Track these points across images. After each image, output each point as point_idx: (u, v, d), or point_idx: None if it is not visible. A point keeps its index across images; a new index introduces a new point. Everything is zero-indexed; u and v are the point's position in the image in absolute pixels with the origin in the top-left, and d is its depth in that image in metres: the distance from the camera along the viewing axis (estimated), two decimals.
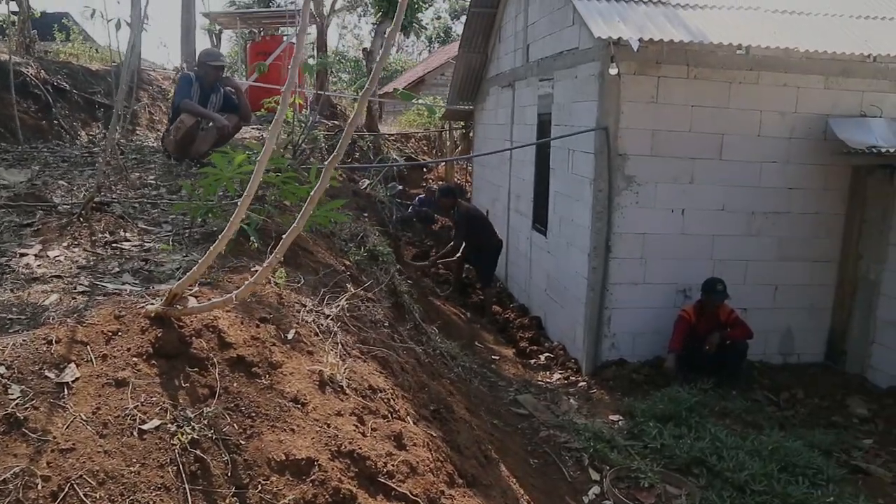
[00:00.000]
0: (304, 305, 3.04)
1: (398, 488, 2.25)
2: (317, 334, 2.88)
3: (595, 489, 4.67)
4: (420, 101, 22.38)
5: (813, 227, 7.35)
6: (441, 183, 9.47)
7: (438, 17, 43.17)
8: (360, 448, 2.27)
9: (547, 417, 5.67)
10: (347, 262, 4.36)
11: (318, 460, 2.13)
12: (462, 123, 16.41)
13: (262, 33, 16.67)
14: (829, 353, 7.57)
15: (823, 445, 5.50)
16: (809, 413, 6.51)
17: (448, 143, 18.05)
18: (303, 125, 13.16)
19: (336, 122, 17.27)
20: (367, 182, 14.68)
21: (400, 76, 33.51)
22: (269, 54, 15.76)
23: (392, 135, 19.63)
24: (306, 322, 2.91)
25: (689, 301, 7.13)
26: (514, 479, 3.84)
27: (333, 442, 2.24)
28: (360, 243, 5.40)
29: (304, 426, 2.26)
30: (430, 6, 27.40)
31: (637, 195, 7.00)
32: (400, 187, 12.82)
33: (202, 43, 30.59)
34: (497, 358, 6.86)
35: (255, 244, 3.53)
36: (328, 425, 2.32)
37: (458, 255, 9.24)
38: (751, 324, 7.04)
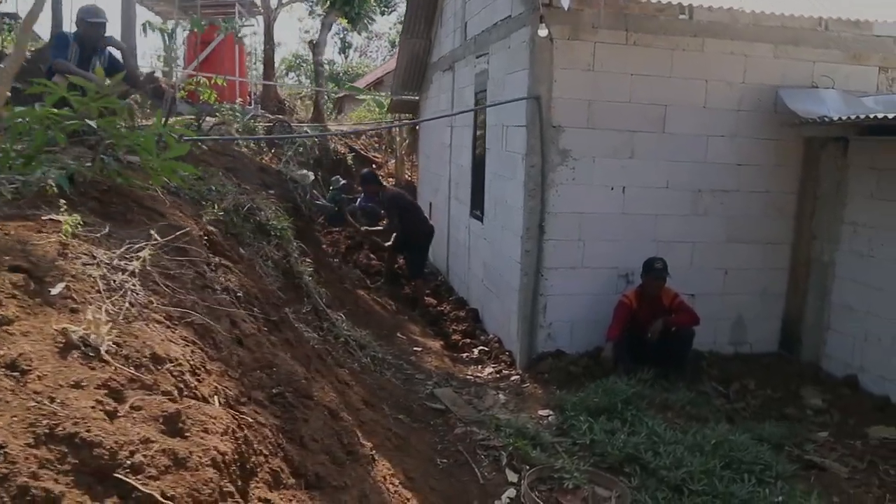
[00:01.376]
0: (95, 258, 2.34)
1: (143, 488, 1.56)
2: (100, 291, 2.18)
3: (510, 492, 4.02)
4: (367, 95, 21.78)
5: (764, 206, 6.82)
6: (365, 170, 8.79)
7: (400, 22, 42.53)
8: (90, 432, 1.59)
9: (466, 413, 5.01)
10: (211, 229, 3.66)
11: (5, 446, 1.44)
12: (410, 116, 15.78)
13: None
14: (783, 341, 7.04)
15: (774, 439, 4.92)
16: (761, 405, 5.95)
17: (397, 138, 17.39)
18: (239, 114, 12.45)
19: (281, 116, 16.55)
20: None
21: (361, 79, 32.83)
22: (207, 44, 15.03)
23: (340, 131, 18.91)
24: (89, 277, 2.21)
25: (632, 286, 6.55)
26: (398, 481, 3.17)
27: (46, 422, 1.56)
28: (248, 215, 4.71)
29: (8, 401, 1.57)
30: (392, 11, 26.86)
31: (573, 171, 6.41)
32: (344, 181, 12.08)
33: (148, 41, 29.45)
34: (420, 350, 6.19)
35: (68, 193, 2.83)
36: (52, 400, 1.63)
37: (390, 243, 8.60)
38: (699, 311, 6.47)
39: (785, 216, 6.87)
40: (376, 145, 20.01)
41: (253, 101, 15.92)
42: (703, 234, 6.74)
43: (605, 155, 6.45)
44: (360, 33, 19.52)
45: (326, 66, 30.55)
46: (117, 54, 5.77)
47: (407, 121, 15.59)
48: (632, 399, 5.18)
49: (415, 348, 6.18)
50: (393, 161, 17.77)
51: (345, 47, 39.31)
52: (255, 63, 23.97)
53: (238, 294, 3.15)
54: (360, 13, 17.00)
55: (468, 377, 6.23)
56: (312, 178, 12.26)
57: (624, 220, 6.58)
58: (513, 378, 6.30)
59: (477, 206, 8.45)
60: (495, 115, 7.47)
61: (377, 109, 20.08)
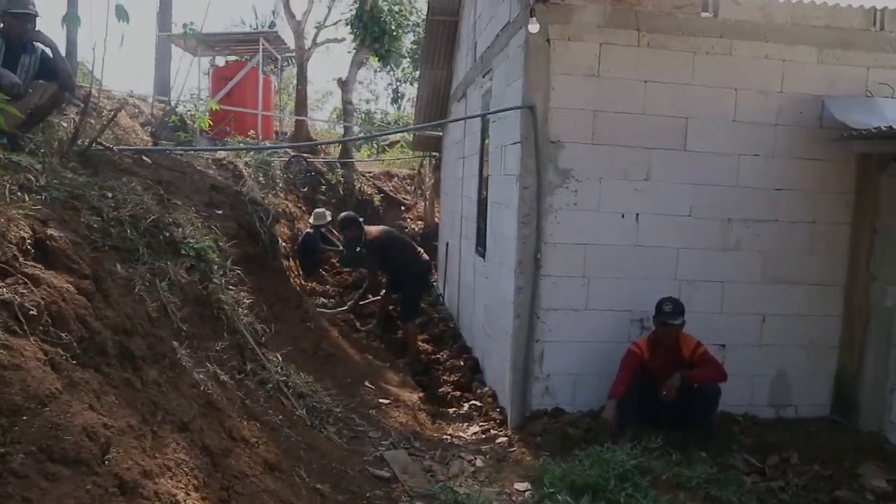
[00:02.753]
0: None
1: None
2: None
3: None
4: (396, 133, 21.20)
5: (808, 239, 5.68)
6: (344, 213, 7.95)
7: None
8: None
9: (417, 483, 3.99)
10: (52, 233, 2.82)
11: None
12: (438, 155, 15.04)
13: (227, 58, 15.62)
14: (836, 404, 5.79)
15: None
16: (806, 485, 4.72)
17: (427, 179, 16.64)
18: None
19: (312, 157, 16.02)
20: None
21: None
22: (230, 79, 14.66)
23: (370, 172, 18.30)
24: None
25: (647, 332, 5.47)
26: None
27: None
28: (153, 229, 3.87)
29: None
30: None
31: (576, 195, 5.42)
32: (329, 218, 10.99)
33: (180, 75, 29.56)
34: (388, 403, 5.20)
35: None
36: None
37: (378, 286, 7.75)
38: (731, 365, 5.36)
39: (835, 252, 5.70)
40: (408, 187, 19.34)
41: (277, 139, 15.40)
42: (734, 271, 5.63)
43: (614, 176, 5.45)
44: (389, 71, 18.93)
45: (378, 115, 30.32)
46: (49, 52, 5.09)
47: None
48: (631, 473, 4.08)
49: (381, 401, 5.19)
50: (423, 203, 16.99)
51: (397, 97, 39.33)
52: (284, 100, 23.70)
53: (29, 313, 2.26)
54: (389, 50, 16.50)
55: (445, 437, 5.20)
56: (329, 217, 11.52)
57: (638, 254, 5.53)
58: (499, 440, 5.24)
59: (481, 241, 7.51)
60: (497, 136, 6.58)
61: (409, 151, 19.48)
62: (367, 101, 37.48)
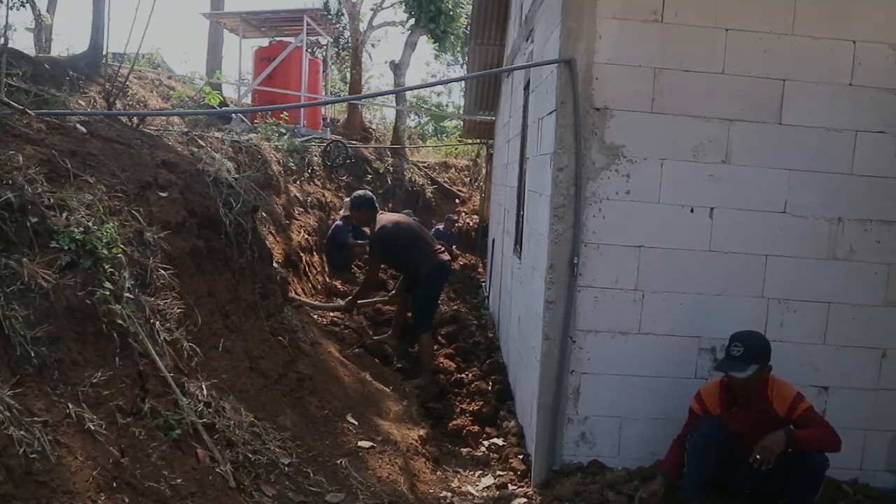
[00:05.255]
0: None
1: None
2: None
3: None
4: (448, 118, 19.94)
5: None
6: (358, 192, 6.70)
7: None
8: None
9: None
10: None
11: None
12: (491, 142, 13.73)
13: (271, 38, 14.69)
14: None
15: None
16: None
17: (483, 170, 15.34)
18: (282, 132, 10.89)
19: (338, 137, 14.95)
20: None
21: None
22: (273, 60, 13.74)
23: (423, 162, 17.14)
24: None
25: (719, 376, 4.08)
26: None
27: None
28: (19, 215, 2.76)
29: None
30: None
31: (628, 180, 4.08)
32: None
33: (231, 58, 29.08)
34: (368, 447, 3.97)
35: None
36: None
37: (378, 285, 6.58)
38: (835, 416, 3.91)
39: None
40: (465, 178, 18.11)
41: (327, 126, 14.40)
42: (845, 289, 4.16)
43: (680, 156, 4.08)
44: (443, 49, 17.67)
45: (451, 109, 29.07)
46: None
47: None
48: None
49: (361, 444, 3.97)
50: (479, 195, 15.71)
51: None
52: (338, 86, 22.73)
53: None
54: (445, 31, 15.27)
55: (444, 496, 3.95)
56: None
57: (711, 263, 4.13)
58: (516, 502, 3.96)
59: (519, 238, 6.22)
60: (535, 108, 5.27)
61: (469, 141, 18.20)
62: (438, 94, 36.39)
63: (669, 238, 4.11)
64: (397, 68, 16.00)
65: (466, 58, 13.65)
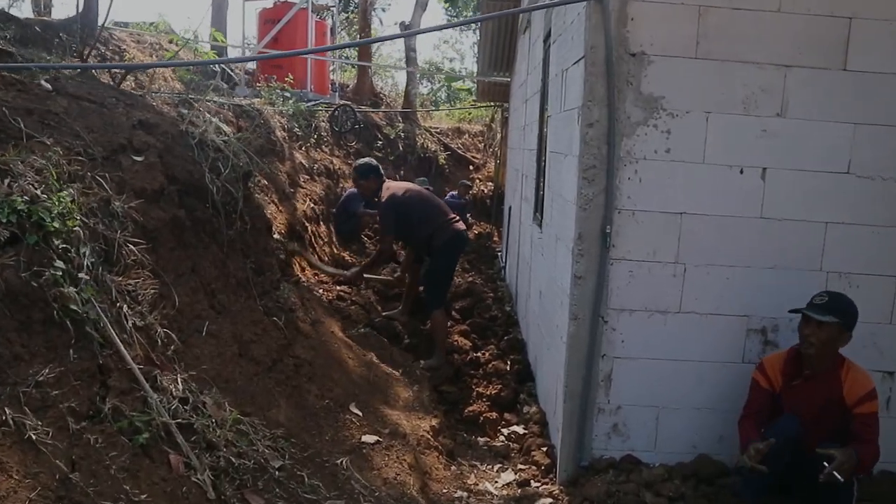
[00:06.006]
0: None
1: None
2: None
3: None
4: (461, 81, 19.26)
5: None
6: (361, 160, 6.15)
7: None
8: None
9: None
10: None
11: None
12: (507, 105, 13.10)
13: None
14: None
15: None
16: None
17: (498, 136, 14.73)
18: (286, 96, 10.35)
19: (347, 102, 14.39)
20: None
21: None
22: (278, 22, 13.13)
23: (436, 127, 16.53)
24: None
25: (775, 349, 3.59)
26: None
27: None
28: None
29: None
30: None
31: (668, 137, 3.54)
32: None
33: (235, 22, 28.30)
34: (373, 442, 3.52)
35: None
36: None
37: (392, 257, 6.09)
38: None
39: None
40: (479, 144, 17.50)
41: (335, 91, 13.83)
42: None
43: (728, 108, 3.54)
44: (455, 5, 16.94)
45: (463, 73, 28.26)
46: None
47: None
48: None
49: (365, 439, 3.52)
50: (494, 162, 15.11)
51: None
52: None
53: None
54: None
55: (459, 497, 3.51)
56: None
57: (763, 231, 3.61)
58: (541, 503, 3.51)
59: (539, 205, 5.71)
60: (557, 59, 4.72)
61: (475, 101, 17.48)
62: (451, 60, 35.52)
63: (715, 203, 3.59)
64: (407, 29, 15.32)
65: (479, 15, 12.99)
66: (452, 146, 16.15)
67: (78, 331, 2.53)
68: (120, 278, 2.91)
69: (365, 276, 6.29)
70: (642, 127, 3.53)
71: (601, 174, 3.53)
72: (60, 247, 2.58)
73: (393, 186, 5.77)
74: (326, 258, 8.19)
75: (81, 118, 3.43)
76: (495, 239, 11.88)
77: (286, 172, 8.40)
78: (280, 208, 7.29)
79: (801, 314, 3.21)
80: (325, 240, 8.56)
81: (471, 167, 15.90)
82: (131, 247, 3.00)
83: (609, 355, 3.69)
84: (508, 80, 11.19)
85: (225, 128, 6.20)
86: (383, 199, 5.63)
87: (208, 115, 4.39)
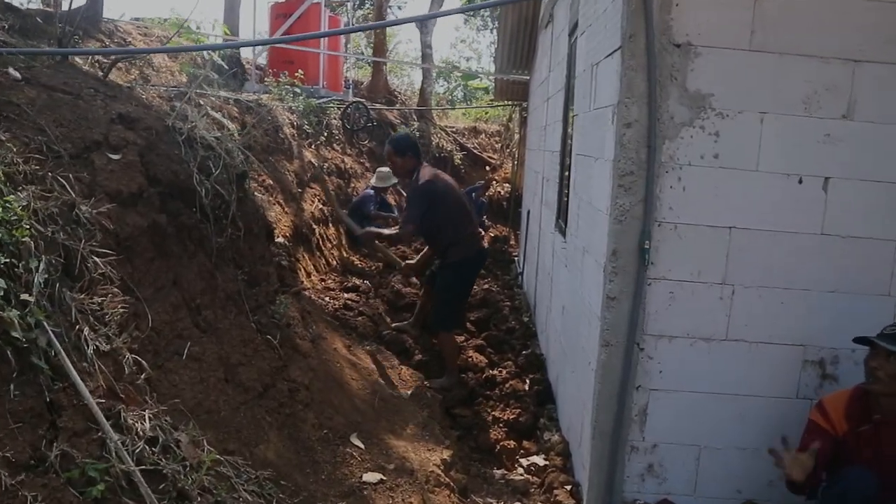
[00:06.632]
0: None
1: None
2: None
3: None
4: (476, 79, 18.81)
5: None
6: (400, 132, 5.60)
7: None
8: None
9: None
10: None
11: None
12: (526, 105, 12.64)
13: None
14: None
15: None
16: None
17: (515, 136, 14.28)
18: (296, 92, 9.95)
19: (384, 107, 14.05)
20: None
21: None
22: (290, 16, 12.76)
23: (452, 127, 16.11)
24: None
25: (836, 386, 3.14)
26: None
27: None
28: None
29: None
30: None
31: (716, 140, 3.10)
32: (395, 181, 8.74)
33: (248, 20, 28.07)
34: (376, 482, 3.11)
35: None
36: None
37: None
38: None
39: None
40: (496, 144, 17.06)
41: (348, 88, 13.45)
42: None
43: (786, 109, 3.09)
44: (492, 30, 16.49)
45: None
46: None
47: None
48: None
49: (366, 478, 3.10)
50: (511, 163, 14.66)
51: None
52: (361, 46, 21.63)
53: None
54: None
55: None
56: (395, 181, 9.46)
57: (824, 249, 3.16)
58: None
59: (562, 212, 5.27)
60: (586, 51, 4.27)
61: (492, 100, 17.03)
62: (468, 59, 35.07)
63: (769, 217, 3.14)
64: (423, 26, 14.92)
65: (498, 14, 12.56)
66: (468, 146, 15.73)
67: (22, 362, 2.13)
68: (82, 296, 2.51)
69: (376, 242, 5.57)
70: (687, 128, 3.09)
71: (639, 182, 3.09)
72: (2, 262, 2.17)
73: (432, 172, 5.19)
74: (335, 261, 7.80)
75: (49, 111, 3.03)
76: (512, 243, 11.44)
77: (294, 171, 8.02)
78: (286, 209, 6.90)
79: (867, 344, 2.77)
80: (334, 242, 8.17)
81: (487, 168, 15.46)
82: (96, 259, 2.59)
83: (645, 387, 3.25)
84: (527, 78, 10.74)
85: (229, 124, 5.84)
86: (420, 182, 5.02)
87: (205, 109, 3.96)
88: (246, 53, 14.39)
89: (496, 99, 13.81)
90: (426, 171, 5.14)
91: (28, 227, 2.32)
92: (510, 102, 13.48)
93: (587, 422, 3.46)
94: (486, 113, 17.96)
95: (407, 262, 5.88)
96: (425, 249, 5.85)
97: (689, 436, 3.29)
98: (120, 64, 6.38)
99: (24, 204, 2.39)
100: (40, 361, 2.18)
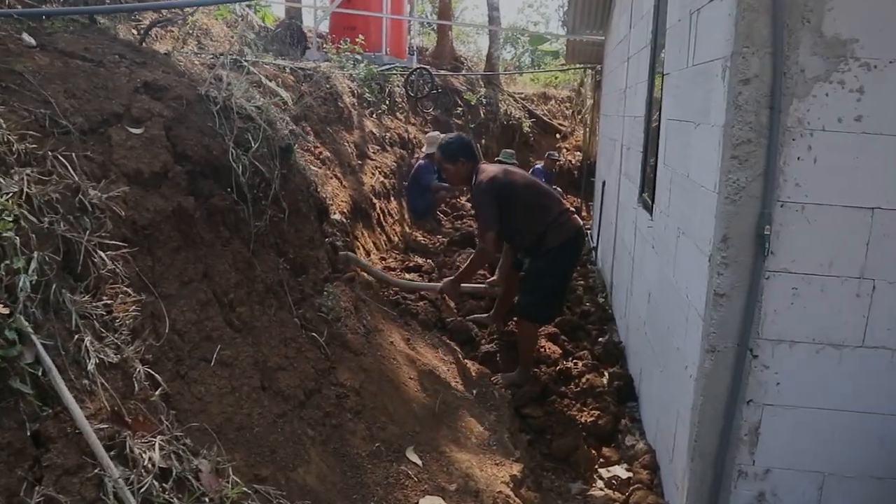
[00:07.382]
0: None
1: None
2: None
3: None
4: (547, 42, 17.96)
5: None
6: (450, 136, 4.75)
7: None
8: None
9: None
10: None
11: None
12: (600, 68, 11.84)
13: None
14: None
15: None
16: None
17: (588, 101, 13.49)
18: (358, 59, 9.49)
19: (424, 65, 13.43)
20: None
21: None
22: None
23: (521, 93, 15.41)
24: None
25: None
26: None
27: None
28: None
29: None
30: None
31: (860, 98, 2.46)
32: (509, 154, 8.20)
33: None
34: None
35: None
36: None
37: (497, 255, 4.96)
38: None
39: None
40: (567, 111, 16.28)
41: (412, 54, 12.93)
42: None
43: None
44: None
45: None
46: None
47: None
48: None
49: (425, 502, 2.67)
50: (582, 129, 13.90)
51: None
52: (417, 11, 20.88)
53: None
54: None
55: None
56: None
57: None
58: None
59: (647, 185, 4.66)
60: (681, 0, 3.63)
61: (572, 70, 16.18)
62: (535, 24, 33.95)
63: None
64: None
65: None
66: (538, 113, 15.04)
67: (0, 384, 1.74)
68: (85, 297, 2.11)
69: (462, 286, 4.81)
70: (822, 84, 2.46)
71: (758, 152, 2.49)
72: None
73: (489, 172, 4.44)
74: (397, 238, 7.38)
75: (61, 80, 2.63)
76: (584, 215, 10.80)
77: (353, 143, 7.59)
78: (344, 184, 6.49)
79: None
80: (396, 217, 7.75)
81: (557, 135, 14.77)
82: (101, 254, 2.19)
83: (757, 401, 2.69)
84: (602, 38, 9.99)
85: (283, 93, 5.42)
86: (482, 182, 4.35)
87: (247, 77, 3.52)
88: (308, 22, 14.04)
89: (567, 63, 13.05)
90: (486, 171, 4.48)
91: (12, 218, 1.92)
92: (582, 66, 12.70)
93: (683, 437, 2.92)
94: (556, 78, 17.15)
95: (490, 281, 5.32)
96: (501, 259, 5.21)
97: (811, 461, 2.71)
98: (171, 30, 6.03)
99: (15, 190, 2.00)
100: (22, 385, 1.78)
